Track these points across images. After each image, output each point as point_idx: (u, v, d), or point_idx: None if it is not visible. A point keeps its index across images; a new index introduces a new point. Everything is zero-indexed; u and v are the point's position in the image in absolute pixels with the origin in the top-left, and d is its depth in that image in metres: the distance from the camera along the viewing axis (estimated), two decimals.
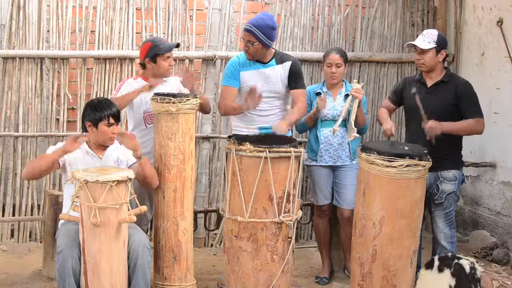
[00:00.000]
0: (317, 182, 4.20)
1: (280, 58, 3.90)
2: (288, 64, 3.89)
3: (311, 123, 4.13)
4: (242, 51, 3.92)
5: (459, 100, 3.72)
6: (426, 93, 3.78)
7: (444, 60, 3.81)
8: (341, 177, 4.15)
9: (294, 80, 3.90)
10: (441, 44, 3.73)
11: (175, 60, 4.84)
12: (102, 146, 3.48)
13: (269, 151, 3.26)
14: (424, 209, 3.56)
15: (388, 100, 4.12)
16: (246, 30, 3.73)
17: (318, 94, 4.16)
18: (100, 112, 3.38)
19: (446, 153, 3.69)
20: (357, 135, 3.95)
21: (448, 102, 3.72)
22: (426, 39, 3.72)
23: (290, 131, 4.05)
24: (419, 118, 3.69)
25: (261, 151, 3.27)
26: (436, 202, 3.76)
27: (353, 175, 3.98)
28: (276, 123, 3.71)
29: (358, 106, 3.94)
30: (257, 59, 3.85)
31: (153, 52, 3.80)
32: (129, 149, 3.41)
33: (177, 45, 4.00)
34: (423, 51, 3.72)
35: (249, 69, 3.85)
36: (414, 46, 3.76)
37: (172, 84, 3.92)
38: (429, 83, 3.81)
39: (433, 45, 3.70)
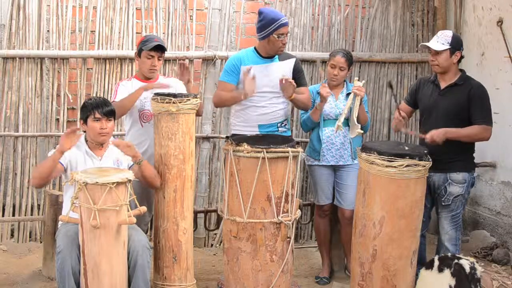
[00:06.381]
0: (319, 182, 4.20)
1: (283, 55, 3.94)
2: (292, 61, 3.95)
3: (316, 117, 4.09)
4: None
5: (470, 103, 3.65)
6: (439, 95, 3.75)
7: (459, 61, 3.74)
8: (343, 177, 4.15)
9: (300, 76, 3.96)
10: (455, 45, 3.66)
11: (175, 60, 4.88)
12: (100, 146, 3.49)
13: (267, 152, 3.27)
14: (427, 210, 3.56)
15: (405, 102, 4.06)
16: (287, 23, 3.78)
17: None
18: (87, 108, 3.41)
19: (457, 155, 3.66)
20: (361, 131, 3.95)
21: (461, 105, 3.66)
22: (440, 40, 3.67)
23: (289, 131, 4.07)
24: (433, 120, 3.69)
25: (258, 152, 3.27)
26: (443, 203, 3.72)
27: (354, 175, 3.95)
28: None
29: (360, 104, 3.95)
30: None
31: (140, 46, 3.80)
32: (129, 155, 3.44)
33: (160, 47, 3.78)
34: (437, 53, 3.67)
35: (252, 63, 3.85)
36: (428, 47, 3.71)
37: (174, 86, 3.90)
38: (443, 84, 3.76)
39: (446, 46, 3.64)
